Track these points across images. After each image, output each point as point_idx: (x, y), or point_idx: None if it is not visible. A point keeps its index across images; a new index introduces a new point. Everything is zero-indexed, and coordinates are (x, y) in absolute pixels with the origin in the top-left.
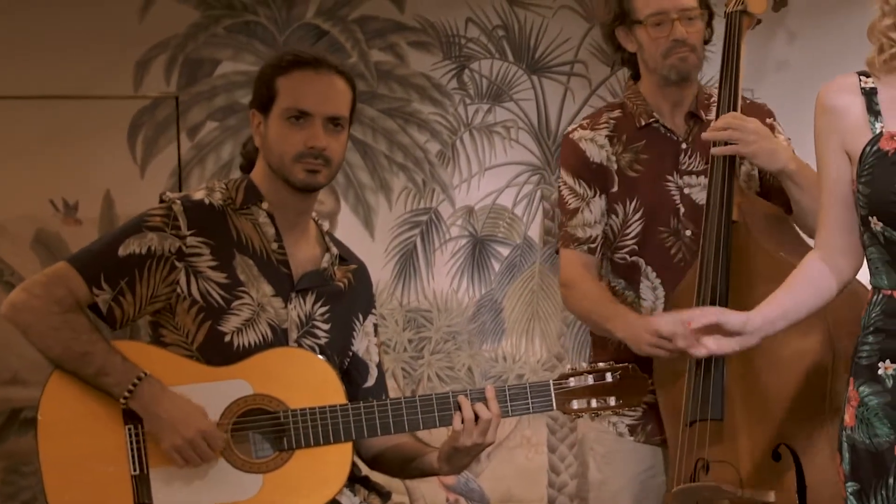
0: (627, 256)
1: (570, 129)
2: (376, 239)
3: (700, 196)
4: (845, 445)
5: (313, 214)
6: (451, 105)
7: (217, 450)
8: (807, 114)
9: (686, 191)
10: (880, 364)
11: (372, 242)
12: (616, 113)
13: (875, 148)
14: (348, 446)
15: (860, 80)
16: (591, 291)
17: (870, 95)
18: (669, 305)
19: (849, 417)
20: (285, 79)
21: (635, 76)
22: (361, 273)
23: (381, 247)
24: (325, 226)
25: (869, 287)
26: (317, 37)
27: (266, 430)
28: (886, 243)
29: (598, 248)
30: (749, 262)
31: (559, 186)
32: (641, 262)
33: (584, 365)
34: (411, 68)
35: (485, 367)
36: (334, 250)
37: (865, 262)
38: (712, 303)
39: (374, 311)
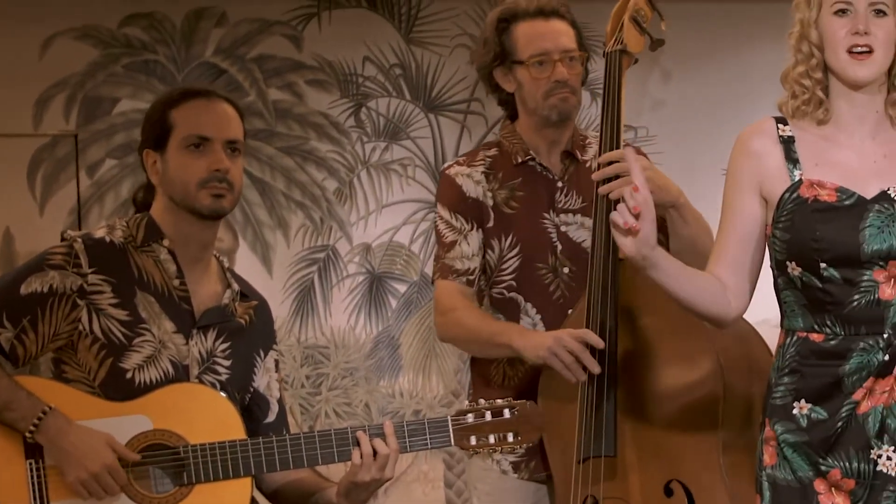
0: (505, 292)
1: (447, 165)
2: (274, 276)
3: (577, 234)
4: (765, 485)
5: (214, 251)
6: (348, 143)
7: (121, 483)
8: (684, 150)
9: (563, 228)
10: (795, 404)
11: (270, 279)
12: (493, 151)
13: (795, 195)
14: (248, 481)
15: (778, 128)
16: (475, 312)
17: (788, 143)
18: None
19: (768, 457)
20: (179, 110)
21: (511, 116)
22: (262, 309)
23: (279, 284)
24: (227, 262)
25: (775, 327)
26: (215, 75)
27: (166, 465)
28: (804, 287)
29: (476, 281)
30: (636, 298)
31: (436, 221)
32: (520, 298)
33: (482, 401)
34: (309, 107)
35: (382, 403)
36: (235, 286)
37: (778, 304)
38: (601, 336)
39: (275, 347)
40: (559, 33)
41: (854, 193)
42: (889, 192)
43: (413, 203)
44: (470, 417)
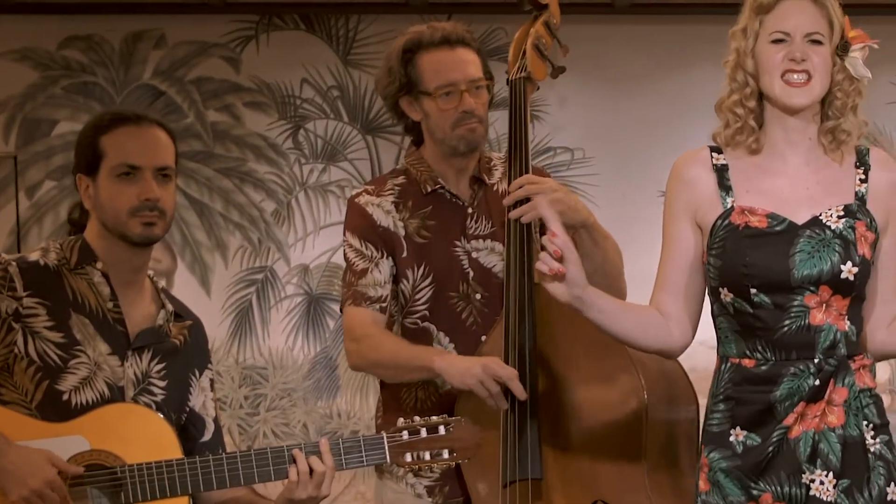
0: (419, 322)
1: (355, 193)
2: (213, 297)
3: (488, 259)
4: None
5: (149, 272)
6: (286, 164)
7: (63, 499)
8: (621, 172)
9: (474, 255)
10: (732, 431)
11: (208, 300)
12: (400, 179)
13: (726, 222)
14: (185, 500)
15: (712, 156)
16: (391, 337)
17: (721, 171)
18: None
19: (703, 483)
20: (109, 137)
21: (417, 142)
22: (197, 329)
23: (218, 305)
24: (161, 283)
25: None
26: (154, 97)
27: (104, 486)
28: (736, 313)
29: (387, 309)
30: (553, 323)
31: (345, 249)
32: (433, 327)
33: (418, 419)
34: (247, 128)
35: (320, 423)
36: (169, 307)
37: (714, 330)
38: (520, 361)
39: (210, 366)
40: (465, 63)
41: (785, 219)
42: (821, 217)
43: None
44: (405, 434)
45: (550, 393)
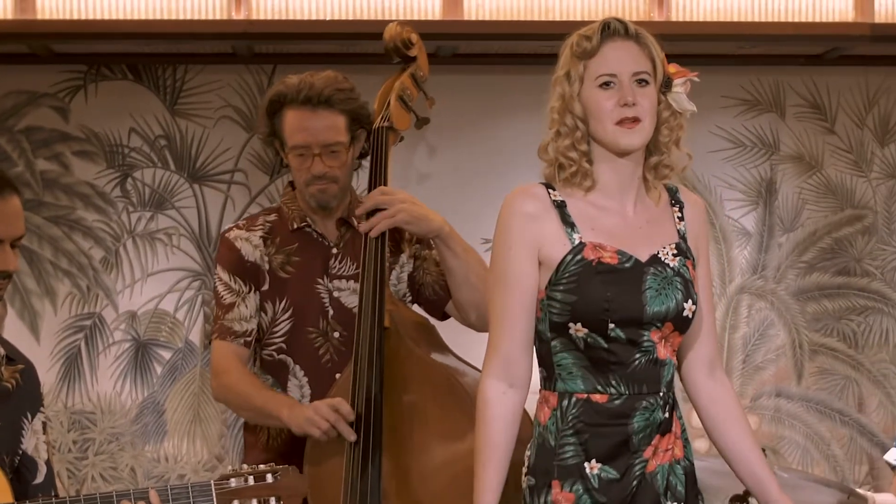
0: (275, 354)
1: (227, 228)
2: (42, 343)
3: (349, 300)
4: None
5: None
6: (114, 212)
7: None
8: (448, 221)
9: (335, 294)
10: (586, 464)
11: (38, 346)
12: (272, 217)
13: (578, 257)
14: None
15: (549, 193)
16: (246, 378)
17: (561, 207)
18: None
19: None
20: None
21: (293, 182)
22: (29, 373)
23: (47, 350)
24: None
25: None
26: None
27: None
28: (587, 348)
29: (252, 343)
30: (402, 366)
31: (215, 283)
32: (290, 360)
33: (245, 467)
34: (76, 177)
35: (147, 467)
36: (1, 350)
37: (540, 368)
38: (367, 403)
39: (42, 409)
40: (323, 128)
41: (632, 256)
42: (659, 255)
43: (178, 271)
44: (233, 482)
45: (396, 437)
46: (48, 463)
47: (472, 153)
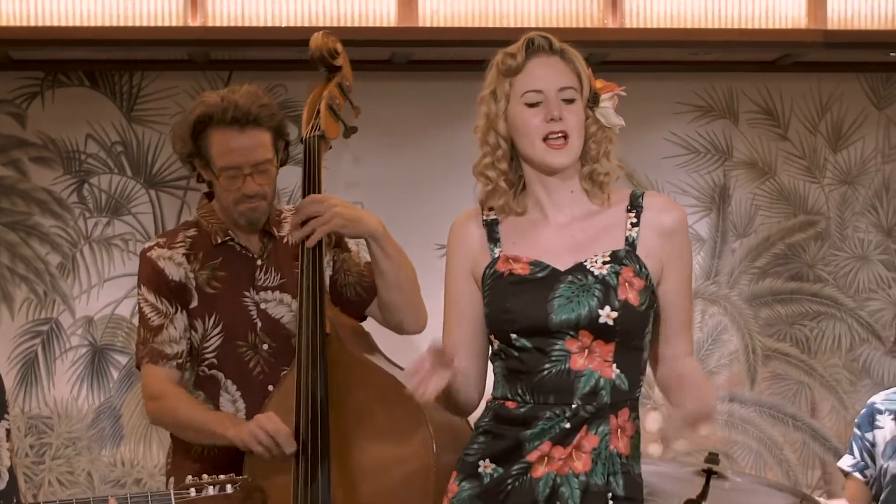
0: (207, 369)
1: (147, 246)
2: None
3: (276, 311)
4: None
5: None
6: (71, 218)
7: None
8: (398, 226)
9: (262, 306)
10: (481, 462)
11: None
12: (192, 231)
13: (492, 270)
14: None
15: (483, 213)
16: (185, 401)
17: (491, 226)
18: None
19: None
20: None
21: (209, 194)
22: None
23: (3, 356)
24: None
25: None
26: None
27: None
28: (506, 358)
29: (183, 364)
30: (345, 372)
31: (139, 303)
32: (221, 375)
33: (206, 477)
34: (33, 183)
35: (104, 471)
36: None
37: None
38: (313, 409)
39: (6, 416)
40: (252, 147)
41: (548, 266)
42: (585, 263)
43: (134, 277)
44: (192, 492)
45: (342, 442)
46: (10, 470)
47: (428, 159)
